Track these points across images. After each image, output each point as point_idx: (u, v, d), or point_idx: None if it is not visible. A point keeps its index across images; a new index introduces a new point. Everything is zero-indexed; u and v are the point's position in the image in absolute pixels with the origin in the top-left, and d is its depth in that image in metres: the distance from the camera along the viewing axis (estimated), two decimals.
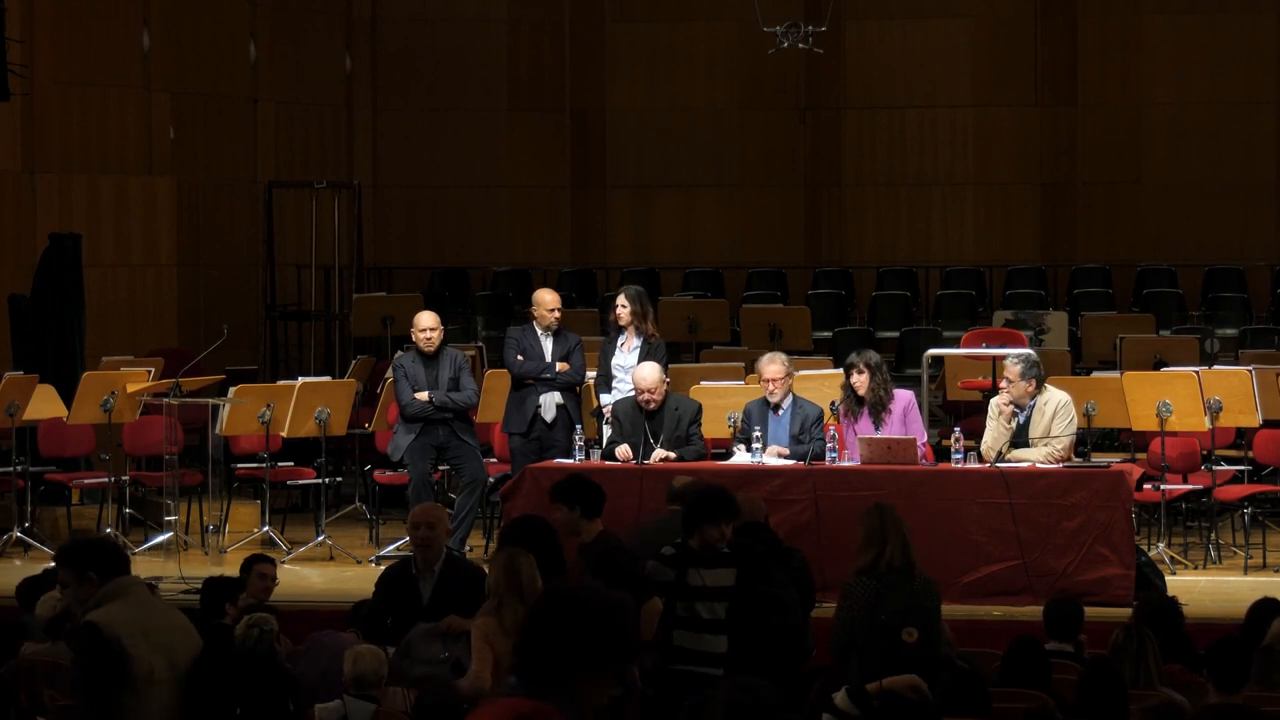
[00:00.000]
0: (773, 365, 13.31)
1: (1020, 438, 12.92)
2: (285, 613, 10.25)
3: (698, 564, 9.32)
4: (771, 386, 13.27)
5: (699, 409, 13.54)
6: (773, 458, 13.05)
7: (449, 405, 14.39)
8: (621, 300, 14.26)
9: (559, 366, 14.26)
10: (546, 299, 14.50)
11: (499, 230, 22.61)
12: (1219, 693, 7.97)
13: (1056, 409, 12.88)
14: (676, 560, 9.44)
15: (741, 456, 13.21)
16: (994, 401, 13.13)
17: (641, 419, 13.41)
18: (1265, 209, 21.64)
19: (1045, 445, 12.84)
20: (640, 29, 22.63)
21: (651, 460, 13.16)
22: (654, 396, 13.39)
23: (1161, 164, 21.89)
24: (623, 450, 13.25)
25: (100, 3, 19.55)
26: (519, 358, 14.31)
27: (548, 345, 14.32)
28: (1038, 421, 12.89)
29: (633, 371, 13.65)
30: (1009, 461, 12.82)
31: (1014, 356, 13.23)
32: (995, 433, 12.95)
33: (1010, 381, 12.94)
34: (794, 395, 13.42)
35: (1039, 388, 12.94)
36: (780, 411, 13.32)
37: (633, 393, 13.72)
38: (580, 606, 4.92)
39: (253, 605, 10.12)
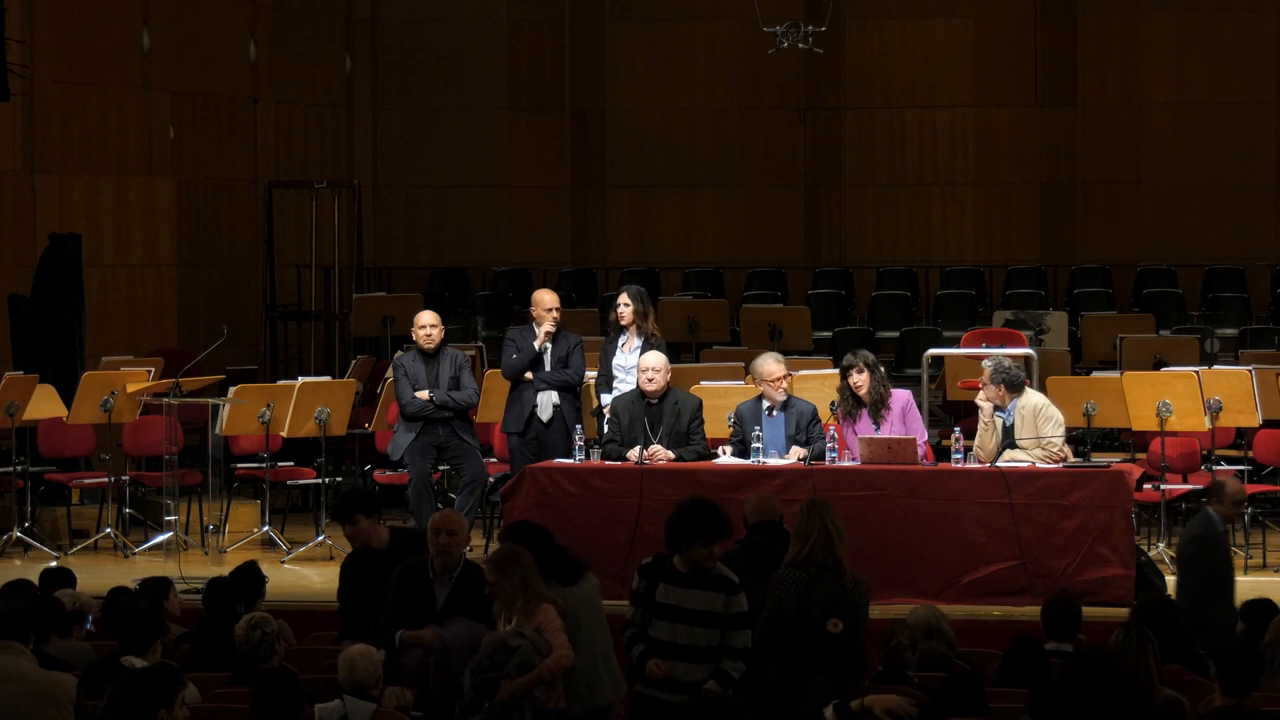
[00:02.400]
0: (778, 366, 13.24)
1: (1008, 440, 12.94)
2: (286, 613, 10.24)
3: (673, 581, 8.93)
4: (777, 385, 13.21)
5: (700, 405, 13.47)
6: (791, 459, 13.03)
7: (449, 404, 14.38)
8: (624, 299, 14.23)
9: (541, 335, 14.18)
10: (545, 299, 14.46)
11: (499, 230, 22.60)
12: (1226, 696, 7.94)
13: (1035, 413, 12.89)
14: (650, 570, 9.07)
15: (726, 460, 13.17)
16: (977, 399, 13.17)
17: (641, 413, 13.35)
18: (1265, 209, 21.64)
19: (1040, 448, 12.84)
20: (640, 29, 22.63)
21: (650, 452, 13.10)
22: (657, 375, 13.33)
23: (1161, 164, 21.89)
24: (635, 453, 13.18)
25: (100, 3, 19.53)
26: (513, 356, 14.29)
27: (547, 346, 14.30)
28: (1020, 425, 12.90)
29: (640, 358, 13.60)
30: (1008, 462, 12.83)
31: (987, 360, 13.27)
32: (980, 433, 12.99)
33: (984, 385, 13.01)
34: (787, 395, 13.38)
35: (1013, 392, 12.93)
36: (775, 413, 13.27)
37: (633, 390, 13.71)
38: None
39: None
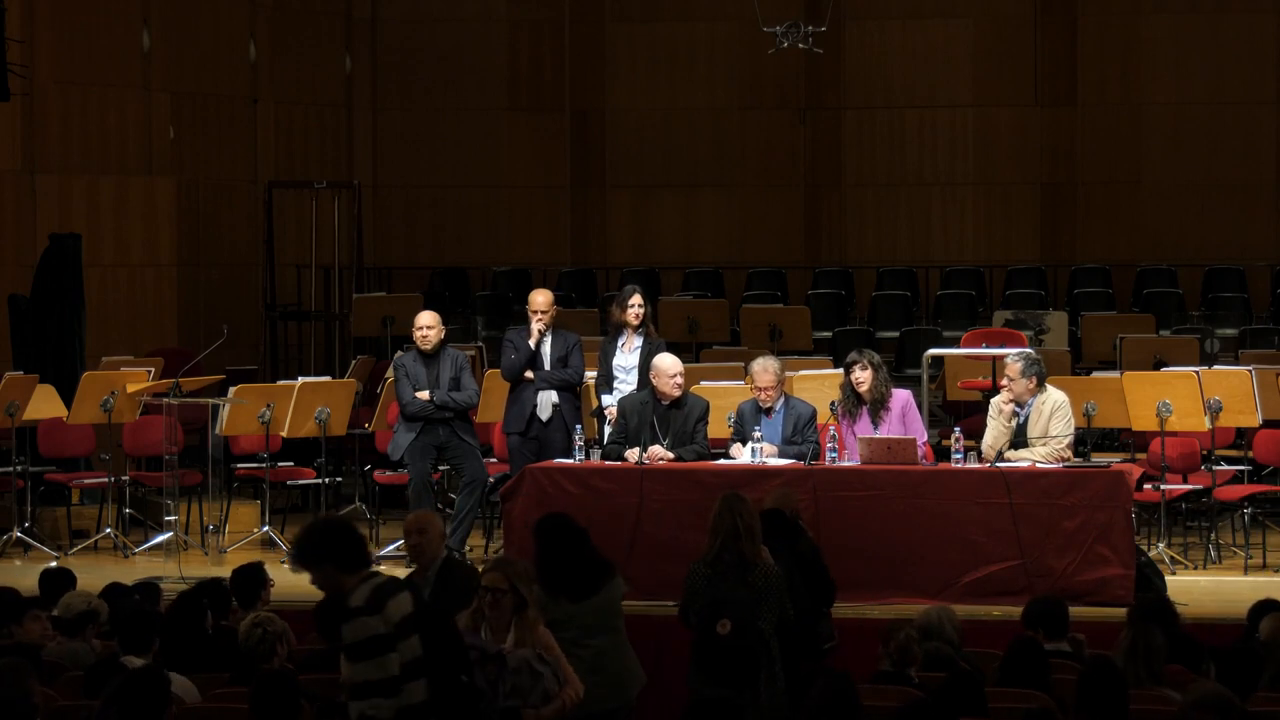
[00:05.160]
0: (765, 375, 13.14)
1: (1019, 437, 12.92)
2: (285, 614, 10.24)
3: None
4: (763, 395, 13.17)
5: (707, 407, 13.41)
6: (769, 457, 13.01)
7: (450, 405, 14.37)
8: (638, 300, 14.17)
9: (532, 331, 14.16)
10: (533, 299, 14.44)
11: (499, 230, 22.61)
12: None
13: (1054, 409, 12.87)
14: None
15: (740, 455, 13.14)
16: (994, 400, 13.11)
17: (650, 415, 13.28)
18: (1265, 209, 21.64)
19: (1044, 445, 12.83)
20: (640, 29, 22.64)
21: (650, 454, 13.07)
22: (684, 380, 13.30)
23: (1161, 164, 21.89)
24: (634, 454, 13.15)
25: (100, 3, 19.54)
26: (511, 357, 14.27)
27: (545, 345, 14.29)
28: (1035, 421, 12.88)
29: (657, 361, 13.49)
30: (1009, 461, 12.81)
31: (1015, 354, 13.22)
32: (995, 432, 12.93)
33: (1011, 380, 12.94)
34: (786, 395, 13.35)
35: (1040, 386, 12.93)
36: (773, 414, 13.25)
37: (633, 390, 13.67)
38: None
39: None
